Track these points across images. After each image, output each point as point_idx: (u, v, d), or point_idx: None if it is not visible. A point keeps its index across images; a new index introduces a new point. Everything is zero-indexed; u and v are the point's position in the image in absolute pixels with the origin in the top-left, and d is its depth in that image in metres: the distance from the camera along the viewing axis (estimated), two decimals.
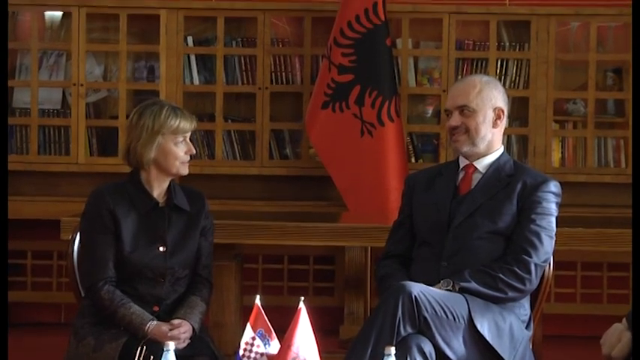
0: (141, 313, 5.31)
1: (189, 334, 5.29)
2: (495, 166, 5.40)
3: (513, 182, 5.32)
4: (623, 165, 8.42)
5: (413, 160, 8.18)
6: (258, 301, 4.41)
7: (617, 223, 7.13)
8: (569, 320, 8.20)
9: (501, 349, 5.05)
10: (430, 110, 8.61)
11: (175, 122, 5.40)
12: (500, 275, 5.13)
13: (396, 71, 8.08)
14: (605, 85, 8.51)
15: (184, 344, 5.22)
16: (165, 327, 5.24)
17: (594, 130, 8.36)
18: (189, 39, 8.48)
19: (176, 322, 5.27)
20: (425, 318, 4.88)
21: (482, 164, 5.36)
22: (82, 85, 8.35)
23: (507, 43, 8.43)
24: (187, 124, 5.41)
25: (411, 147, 8.30)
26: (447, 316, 4.97)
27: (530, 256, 5.18)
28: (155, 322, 5.29)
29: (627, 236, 6.48)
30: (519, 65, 8.34)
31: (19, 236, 8.35)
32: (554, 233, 5.30)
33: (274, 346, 4.35)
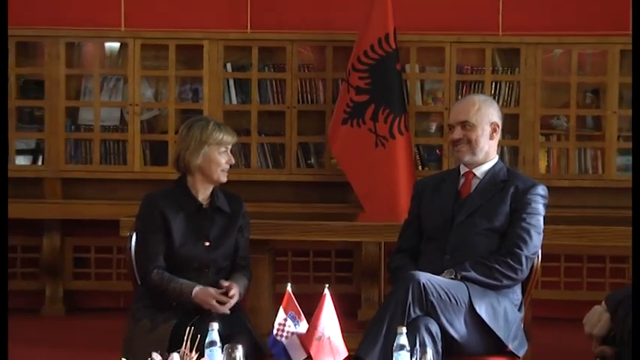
0: (189, 282, 5.32)
1: (236, 297, 5.28)
2: (491, 173, 5.38)
3: (507, 186, 5.31)
4: (601, 172, 8.31)
5: (420, 168, 8.11)
6: (289, 288, 4.37)
7: (595, 221, 7.08)
8: (555, 304, 8.08)
9: (497, 329, 5.05)
10: (434, 125, 8.52)
11: (220, 135, 5.44)
12: (496, 266, 5.13)
13: (405, 92, 7.99)
14: (584, 104, 8.44)
15: (233, 302, 5.20)
16: (212, 290, 5.24)
17: (575, 142, 8.31)
18: (228, 65, 8.39)
19: (225, 283, 5.29)
20: (431, 302, 4.89)
21: (480, 171, 5.34)
22: (137, 105, 8.32)
23: (500, 68, 8.34)
24: (230, 137, 5.43)
25: (418, 157, 8.22)
26: (450, 301, 4.97)
27: (522, 250, 5.19)
28: (202, 287, 5.30)
29: (604, 232, 6.82)
30: (511, 87, 8.25)
31: (83, 234, 8.50)
32: (541, 230, 5.29)
33: (303, 326, 4.30)
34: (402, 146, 7.83)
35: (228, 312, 5.31)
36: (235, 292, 5.37)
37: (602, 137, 8.34)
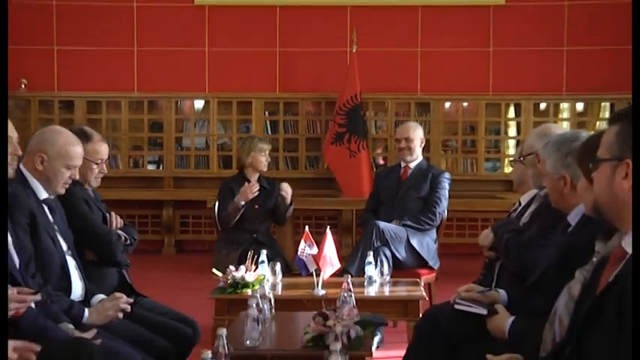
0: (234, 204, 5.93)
1: (288, 192, 6.02)
2: (419, 166, 6.06)
3: (427, 173, 6.01)
4: (475, 171, 8.85)
5: (374, 169, 8.37)
6: (307, 229, 4.83)
7: (472, 197, 8.08)
8: (451, 244, 8.37)
9: (422, 253, 5.79)
10: (381, 146, 9.10)
11: (260, 144, 6.14)
12: (422, 218, 5.86)
13: (366, 127, 8.56)
14: (465, 133, 8.98)
15: (288, 196, 5.97)
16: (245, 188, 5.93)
17: (461, 154, 8.96)
18: (266, 112, 8.99)
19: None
20: (386, 238, 5.62)
21: (412, 165, 6.05)
22: (215, 135, 9.03)
23: (418, 113, 8.85)
24: (265, 145, 6.16)
25: (373, 163, 8.59)
26: (396, 237, 5.67)
27: (435, 209, 5.87)
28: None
29: (477, 203, 7.84)
30: (426, 124, 8.65)
31: (185, 207, 8.98)
32: (447, 198, 5.97)
33: (314, 250, 4.64)
34: (365, 157, 8.37)
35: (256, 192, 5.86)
36: (286, 189, 6.06)
37: (476, 151, 8.90)
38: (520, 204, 4.04)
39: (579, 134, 3.11)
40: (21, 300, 2.75)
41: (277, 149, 8.78)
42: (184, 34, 8.93)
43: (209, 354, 2.72)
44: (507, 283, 3.57)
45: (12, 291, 2.77)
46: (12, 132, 3.16)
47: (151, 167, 9.12)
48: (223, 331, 2.97)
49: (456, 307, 3.30)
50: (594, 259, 2.52)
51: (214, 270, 4.82)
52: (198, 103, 9.23)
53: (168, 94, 9.01)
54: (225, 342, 2.93)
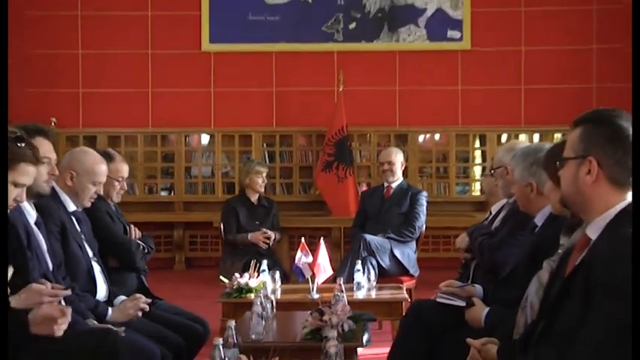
0: (245, 234, 6.03)
1: (272, 235, 6.02)
2: (400, 186, 6.13)
3: (407, 192, 6.06)
4: (447, 194, 8.79)
5: (359, 192, 7.77)
6: (303, 240, 4.85)
7: (444, 215, 8.09)
8: (428, 258, 7.84)
9: (405, 263, 5.83)
10: (365, 172, 8.96)
11: (257, 167, 6.24)
12: (403, 231, 5.90)
13: (352, 156, 8.47)
14: (438, 161, 8.93)
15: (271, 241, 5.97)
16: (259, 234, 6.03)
17: (435, 179, 8.88)
18: (264, 144, 8.89)
19: (269, 232, 6.05)
20: (372, 249, 5.68)
21: (394, 185, 6.11)
22: (220, 165, 8.91)
23: (397, 144, 8.55)
24: (262, 168, 6.23)
25: (358, 186, 8.36)
26: (381, 248, 5.74)
27: (415, 223, 5.96)
28: (253, 233, 6.02)
29: (449, 220, 7.80)
30: (404, 153, 7.22)
31: (193, 228, 8.80)
32: (425, 214, 6.02)
33: (309, 259, 4.62)
34: (351, 182, 8.29)
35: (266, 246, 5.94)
36: (271, 234, 6.04)
37: (448, 177, 8.86)
38: (491, 213, 4.04)
39: (543, 146, 3.14)
40: (53, 294, 2.72)
41: (274, 177, 8.70)
42: (192, 77, 8.92)
43: (220, 341, 2.70)
44: (482, 279, 3.57)
45: (46, 286, 2.74)
46: (51, 154, 3.19)
47: (163, 193, 9.07)
48: (232, 323, 2.96)
49: (438, 300, 3.32)
50: (560, 251, 2.52)
51: (221, 277, 4.84)
52: (205, 137, 9.16)
53: (179, 129, 8.97)
54: (234, 332, 2.93)
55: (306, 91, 8.93)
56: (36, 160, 2.70)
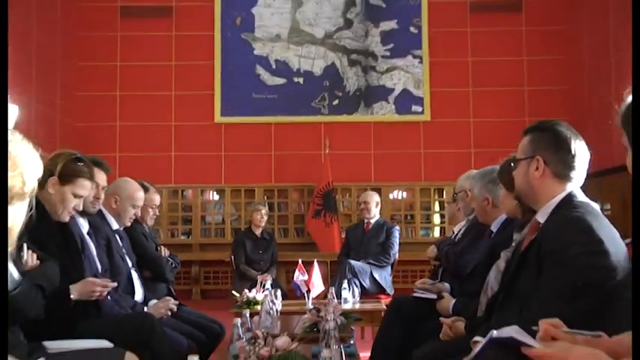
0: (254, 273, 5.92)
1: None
2: (377, 221, 6.10)
3: (384, 226, 6.06)
4: (413, 236, 8.69)
5: (343, 235, 7.50)
6: (300, 261, 4.83)
7: (409, 251, 7.70)
8: (399, 288, 7.26)
9: (382, 283, 5.80)
10: (348, 219, 8.63)
11: (257, 206, 6.39)
12: (381, 257, 5.86)
13: (336, 206, 8.40)
14: (406, 209, 8.79)
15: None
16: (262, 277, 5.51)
17: (404, 224, 8.68)
18: (265, 197, 8.74)
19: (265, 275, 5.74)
20: (355, 272, 5.67)
21: (372, 220, 6.09)
22: (229, 214, 8.79)
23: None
24: (261, 207, 6.37)
25: (342, 229, 7.93)
26: (362, 271, 5.73)
27: (390, 251, 5.93)
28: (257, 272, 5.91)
29: (416, 254, 7.21)
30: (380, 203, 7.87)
31: (208, 265, 8.62)
32: (397, 244, 5.99)
33: (305, 277, 4.63)
34: (336, 226, 8.22)
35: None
36: (269, 279, 5.54)
37: (414, 222, 8.81)
38: (454, 232, 4.04)
39: (494, 168, 3.15)
40: (104, 285, 2.75)
41: (273, 223, 8.64)
42: (207, 143, 8.91)
43: (239, 320, 2.66)
44: (449, 279, 3.57)
45: (99, 279, 2.77)
46: (103, 182, 3.27)
47: (183, 237, 8.96)
48: (247, 313, 2.97)
49: (415, 295, 3.36)
50: (513, 244, 2.52)
51: (233, 292, 4.79)
52: (217, 192, 9.12)
53: (195, 185, 8.93)
54: (248, 319, 2.97)
55: (299, 154, 8.90)
56: (91, 176, 2.75)
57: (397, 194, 9.04)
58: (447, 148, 8.92)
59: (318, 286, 4.71)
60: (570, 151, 2.07)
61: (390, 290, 5.80)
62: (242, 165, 8.93)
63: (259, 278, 4.74)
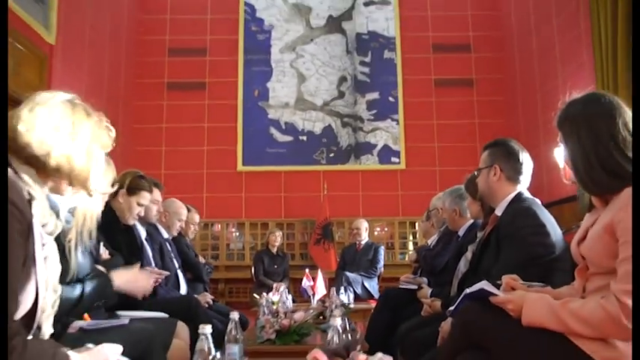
0: (271, 282, 5.58)
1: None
2: (367, 243, 6.13)
3: (372, 246, 6.01)
4: (392, 259, 8.46)
5: (338, 258, 7.52)
6: (307, 270, 5.00)
7: (391, 270, 7.19)
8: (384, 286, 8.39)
9: (371, 290, 5.74)
10: (342, 246, 8.06)
11: (273, 230, 6.14)
12: (370, 270, 5.84)
13: (333, 236, 8.22)
14: (387, 238, 8.59)
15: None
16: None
17: (386, 250, 8.06)
18: (277, 229, 8.10)
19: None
20: (350, 281, 5.62)
21: (362, 242, 6.12)
22: (248, 242, 8.60)
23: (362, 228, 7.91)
24: (276, 230, 6.12)
25: (339, 252, 7.77)
26: (355, 281, 5.70)
27: (377, 265, 5.92)
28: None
29: (396, 273, 6.37)
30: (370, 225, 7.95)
31: (232, 283, 8.40)
32: (383, 260, 5.99)
33: (311, 283, 4.66)
34: (332, 252, 7.90)
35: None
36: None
37: (394, 248, 8.62)
38: (428, 243, 4.04)
39: (460, 187, 3.21)
40: (158, 273, 2.75)
41: (283, 249, 8.29)
42: (231, 187, 8.83)
43: (264, 300, 2.65)
44: (426, 276, 3.56)
45: (154, 269, 2.78)
46: (160, 198, 3.32)
47: (211, 260, 8.66)
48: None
49: (400, 286, 3.34)
50: (477, 240, 2.54)
51: (254, 295, 4.61)
52: (238, 225, 8.98)
53: (222, 219, 8.83)
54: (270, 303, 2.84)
55: (303, 195, 8.81)
56: (150, 190, 2.79)
57: (381, 227, 8.92)
58: (419, 190, 8.80)
59: (321, 290, 4.73)
60: (519, 160, 2.16)
61: (377, 296, 5.60)
62: (258, 204, 8.84)
63: (275, 285, 4.63)
